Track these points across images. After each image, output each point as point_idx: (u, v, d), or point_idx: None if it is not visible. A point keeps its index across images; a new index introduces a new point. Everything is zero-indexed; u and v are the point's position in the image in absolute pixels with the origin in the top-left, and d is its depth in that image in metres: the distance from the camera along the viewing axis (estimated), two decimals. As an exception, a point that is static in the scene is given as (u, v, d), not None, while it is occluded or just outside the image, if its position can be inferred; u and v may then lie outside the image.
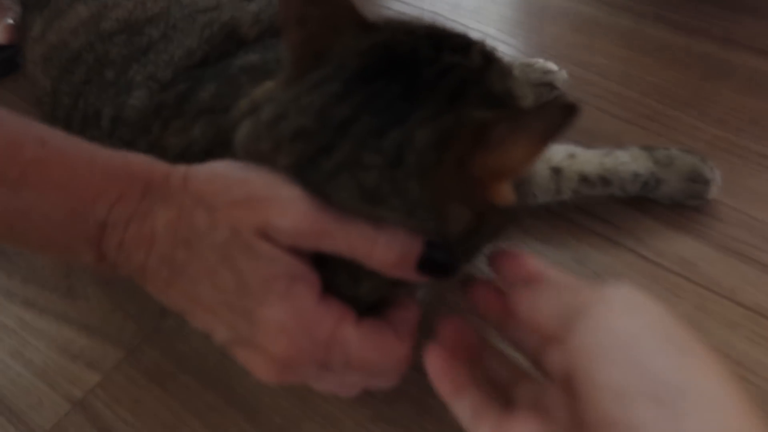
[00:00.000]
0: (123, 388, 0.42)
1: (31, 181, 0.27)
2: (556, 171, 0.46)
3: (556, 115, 0.24)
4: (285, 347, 0.26)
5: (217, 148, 0.32)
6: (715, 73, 0.60)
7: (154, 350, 0.43)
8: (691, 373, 0.20)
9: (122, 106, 0.41)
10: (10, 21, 0.62)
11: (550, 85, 0.56)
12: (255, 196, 0.27)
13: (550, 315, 0.26)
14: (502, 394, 0.29)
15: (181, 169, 0.29)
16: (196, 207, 0.27)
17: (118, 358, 0.43)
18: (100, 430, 0.40)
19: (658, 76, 0.60)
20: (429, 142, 0.26)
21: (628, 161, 0.47)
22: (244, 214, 0.27)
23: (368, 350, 0.28)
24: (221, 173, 0.28)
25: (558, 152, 0.47)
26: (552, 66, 0.57)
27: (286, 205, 0.26)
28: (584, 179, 0.46)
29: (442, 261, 0.28)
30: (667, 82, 0.59)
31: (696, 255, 0.46)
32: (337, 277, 0.28)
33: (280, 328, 0.26)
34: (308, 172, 0.27)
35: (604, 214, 0.49)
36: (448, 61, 0.29)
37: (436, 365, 0.29)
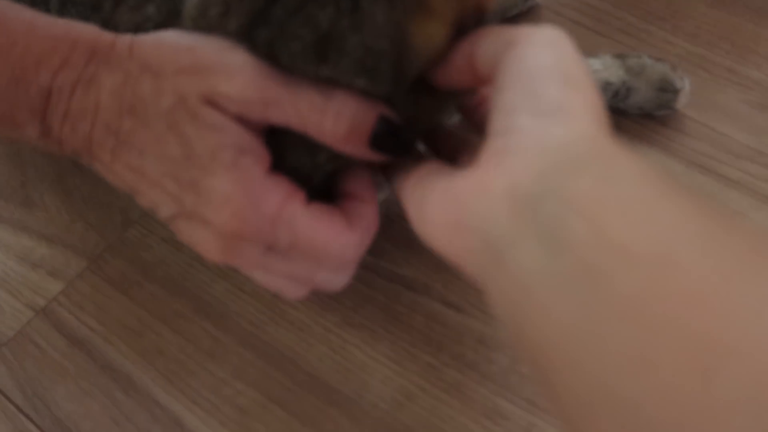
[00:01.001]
0: (87, 296, 0.41)
1: None
2: None
3: None
4: (229, 218, 0.26)
5: (171, 25, 0.30)
6: (690, -13, 0.59)
7: (117, 259, 0.43)
8: (570, 98, 0.22)
9: None
10: None
11: (522, -6, 0.55)
12: (202, 63, 0.26)
13: (485, 54, 0.26)
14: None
15: (127, 37, 0.28)
16: (142, 74, 0.26)
17: (81, 267, 0.42)
18: (65, 336, 0.40)
19: (633, -11, 0.58)
20: None
21: (600, 69, 0.47)
22: (191, 80, 0.26)
23: (316, 230, 0.28)
24: (168, 41, 0.27)
25: None
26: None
27: (233, 71, 0.26)
28: None
29: (396, 135, 0.27)
30: (675, 10, 0.58)
31: (661, 167, 0.47)
32: (292, 152, 0.28)
33: (225, 198, 0.26)
34: (258, 31, 0.26)
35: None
36: None
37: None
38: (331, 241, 0.28)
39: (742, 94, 0.51)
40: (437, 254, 0.26)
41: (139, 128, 0.27)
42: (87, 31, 0.28)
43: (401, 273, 0.41)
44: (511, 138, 0.22)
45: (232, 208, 0.26)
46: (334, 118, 0.26)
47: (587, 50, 0.53)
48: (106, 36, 0.28)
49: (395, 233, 0.41)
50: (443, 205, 0.24)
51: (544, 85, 0.23)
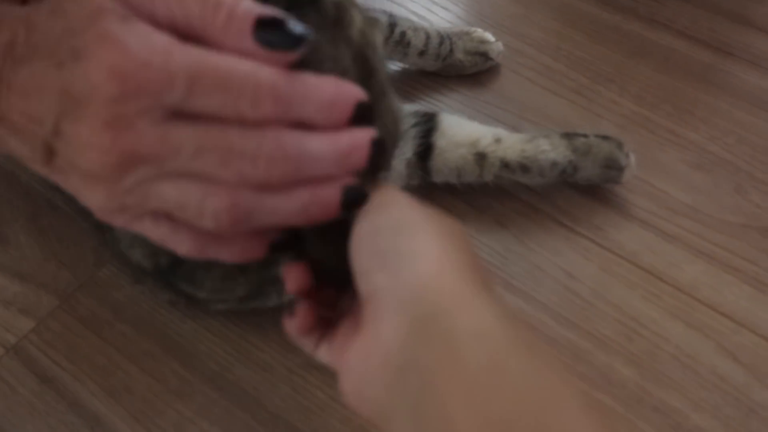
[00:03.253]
0: (58, 334, 0.43)
1: None
2: (481, 156, 0.49)
3: None
4: (107, 56, 0.22)
5: None
6: (637, 51, 0.64)
7: (89, 298, 0.44)
8: (407, 244, 0.25)
9: None
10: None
11: (485, 56, 0.59)
12: None
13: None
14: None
15: None
16: None
17: (53, 306, 0.44)
18: (35, 373, 0.41)
19: (586, 51, 0.63)
20: None
21: (547, 149, 0.49)
22: None
23: (218, 58, 0.23)
24: None
25: (486, 136, 0.49)
26: (489, 37, 0.59)
27: None
28: (506, 165, 0.49)
29: (280, 26, 0.24)
30: (594, 57, 0.63)
31: (606, 222, 0.51)
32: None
33: (105, 41, 0.22)
34: None
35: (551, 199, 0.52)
36: None
37: (292, 330, 0.29)
38: (235, 64, 0.23)
39: (681, 153, 0.56)
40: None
41: (26, 42, 0.24)
42: None
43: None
44: (375, 302, 0.24)
45: (109, 46, 0.22)
46: (221, 11, 0.23)
47: (541, 109, 0.58)
48: None
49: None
50: (348, 378, 0.25)
51: (383, 241, 0.25)
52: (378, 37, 0.30)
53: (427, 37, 0.57)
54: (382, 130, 0.28)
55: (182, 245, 0.26)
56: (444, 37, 0.58)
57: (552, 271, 0.48)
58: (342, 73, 0.26)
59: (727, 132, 0.57)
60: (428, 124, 0.49)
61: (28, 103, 0.24)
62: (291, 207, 0.25)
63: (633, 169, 0.51)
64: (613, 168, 0.50)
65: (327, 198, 0.25)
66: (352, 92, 0.25)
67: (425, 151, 0.49)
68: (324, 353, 0.29)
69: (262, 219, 0.25)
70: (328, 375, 0.42)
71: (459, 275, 0.24)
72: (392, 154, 0.31)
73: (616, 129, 0.57)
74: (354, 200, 0.26)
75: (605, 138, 0.51)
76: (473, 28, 0.60)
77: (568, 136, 0.51)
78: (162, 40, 0.23)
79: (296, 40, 0.24)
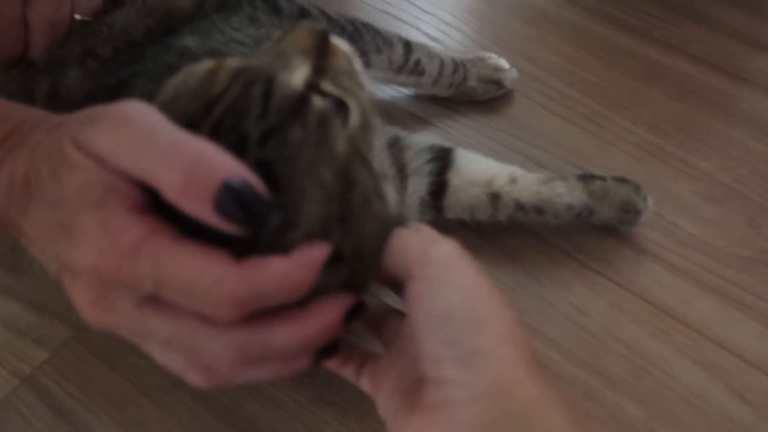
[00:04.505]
0: (72, 365, 0.43)
1: None
2: (495, 197, 0.48)
3: None
4: (85, 252, 0.25)
5: None
6: (652, 77, 0.63)
7: (102, 330, 0.44)
8: (483, 342, 0.26)
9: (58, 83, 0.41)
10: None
11: (499, 83, 0.58)
12: (89, 113, 0.27)
13: (394, 267, 0.29)
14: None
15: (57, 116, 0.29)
16: (48, 134, 0.28)
17: (67, 336, 0.44)
18: (48, 405, 0.42)
19: (599, 76, 0.63)
20: None
21: (563, 192, 0.48)
22: (68, 128, 0.27)
23: (182, 262, 0.24)
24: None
25: (501, 175, 0.49)
26: (504, 64, 0.59)
27: (100, 120, 0.26)
28: (520, 208, 0.48)
29: (244, 204, 0.24)
30: (608, 82, 0.62)
31: (616, 255, 0.51)
32: None
33: (84, 237, 0.25)
34: None
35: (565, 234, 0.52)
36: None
37: (332, 364, 0.33)
38: (199, 273, 0.24)
39: (693, 184, 0.56)
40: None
41: (36, 182, 0.27)
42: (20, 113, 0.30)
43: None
44: (445, 388, 0.25)
45: (88, 242, 0.25)
46: (178, 172, 0.24)
47: (553, 135, 0.57)
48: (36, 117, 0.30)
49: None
50: None
51: (455, 332, 0.26)
52: (372, 142, 0.30)
53: (442, 64, 0.56)
54: (366, 239, 0.28)
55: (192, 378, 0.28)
56: (458, 65, 0.58)
57: (562, 307, 0.48)
58: (321, 189, 0.27)
59: (740, 162, 0.57)
60: (443, 161, 0.49)
61: (34, 244, 0.27)
62: (265, 375, 0.28)
63: (650, 212, 0.50)
64: (630, 212, 0.50)
65: (299, 365, 0.28)
66: (318, 257, 0.26)
67: (439, 189, 0.49)
68: (366, 383, 0.31)
69: (242, 381, 0.28)
70: (338, 410, 0.42)
71: (531, 380, 0.25)
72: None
73: (628, 158, 0.57)
74: (326, 355, 0.29)
75: (623, 181, 0.50)
76: (488, 54, 0.60)
77: (585, 179, 0.50)
78: (132, 238, 0.25)
79: (257, 219, 0.24)
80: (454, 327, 0.26)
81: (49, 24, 0.43)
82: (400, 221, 0.31)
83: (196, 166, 0.24)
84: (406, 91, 0.59)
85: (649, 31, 0.67)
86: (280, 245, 0.26)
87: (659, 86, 0.62)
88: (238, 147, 0.26)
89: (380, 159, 0.31)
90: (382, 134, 0.32)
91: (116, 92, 0.40)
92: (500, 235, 0.51)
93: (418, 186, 0.48)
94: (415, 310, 0.27)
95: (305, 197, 0.27)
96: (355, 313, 0.29)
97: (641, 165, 0.56)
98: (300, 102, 0.28)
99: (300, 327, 0.27)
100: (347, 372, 0.32)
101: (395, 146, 0.48)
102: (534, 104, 0.60)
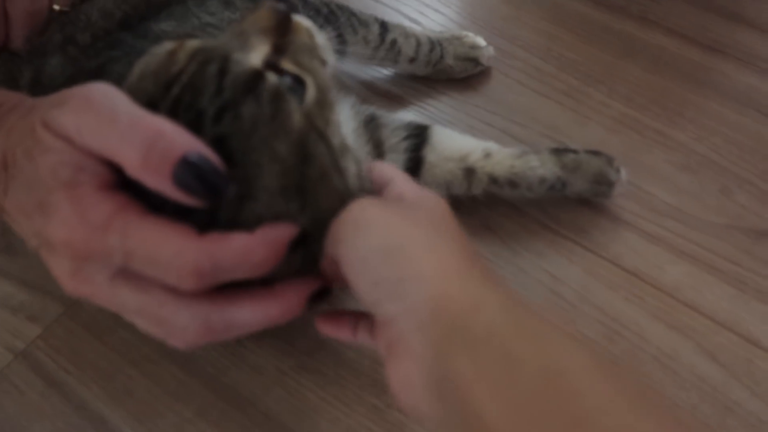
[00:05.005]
0: (63, 339, 0.45)
1: None
2: (470, 172, 0.49)
3: None
4: (58, 228, 0.27)
5: None
6: (628, 51, 0.64)
7: (91, 306, 0.46)
8: (406, 269, 0.27)
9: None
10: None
11: (476, 61, 0.60)
12: (58, 96, 0.29)
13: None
14: None
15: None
16: (22, 117, 0.30)
17: (58, 312, 0.46)
18: (42, 378, 0.43)
19: (576, 52, 0.64)
20: None
21: (536, 165, 0.50)
22: (39, 110, 0.29)
23: (148, 236, 0.26)
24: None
25: (475, 151, 0.50)
26: (480, 41, 0.60)
27: (66, 101, 0.28)
28: (494, 181, 0.49)
29: (203, 177, 0.26)
30: (584, 58, 0.63)
31: (590, 224, 0.52)
32: None
33: (58, 213, 0.27)
34: None
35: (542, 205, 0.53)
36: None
37: (328, 331, 0.34)
38: (163, 244, 0.26)
39: (668, 155, 0.57)
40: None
41: (15, 163, 0.29)
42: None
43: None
44: (395, 327, 0.27)
45: (61, 218, 0.27)
46: (137, 149, 0.26)
47: (531, 111, 0.59)
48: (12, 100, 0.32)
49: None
50: (401, 398, 0.28)
51: (379, 269, 0.27)
52: (330, 118, 0.32)
53: (418, 44, 0.58)
54: (324, 213, 0.29)
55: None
56: (435, 43, 0.59)
57: (537, 274, 0.49)
58: (277, 163, 0.28)
59: (714, 132, 0.58)
60: (419, 138, 0.50)
61: (15, 221, 0.30)
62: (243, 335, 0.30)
63: (624, 184, 0.51)
64: (602, 184, 0.51)
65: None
66: (282, 236, 0.28)
67: (415, 165, 0.50)
68: (364, 337, 0.33)
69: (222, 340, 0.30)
70: (320, 376, 0.44)
71: (460, 281, 0.27)
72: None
73: (605, 131, 0.58)
74: (318, 300, 0.31)
75: (595, 153, 0.51)
76: (464, 33, 0.61)
77: (558, 152, 0.51)
78: (102, 214, 0.27)
79: (214, 190, 0.26)
80: (376, 267, 0.27)
81: (28, 15, 0.45)
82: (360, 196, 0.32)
83: (154, 143, 0.26)
84: (384, 71, 0.61)
85: (626, 6, 0.68)
86: (243, 221, 0.28)
87: (635, 60, 0.63)
88: (195, 123, 0.28)
89: (340, 134, 0.33)
90: (342, 109, 0.34)
91: (96, 77, 0.41)
92: (477, 207, 0.52)
93: (396, 163, 0.50)
94: (347, 270, 0.29)
95: (261, 170, 0.28)
96: (321, 295, 0.31)
97: (618, 137, 0.57)
98: (254, 79, 0.29)
99: (263, 307, 0.29)
100: (344, 334, 0.34)
101: (372, 124, 0.50)
102: (512, 81, 0.61)
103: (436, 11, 0.67)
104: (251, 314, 0.29)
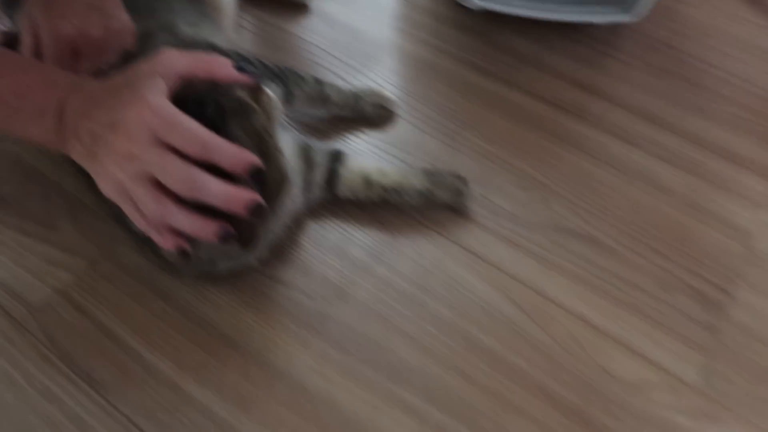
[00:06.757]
0: (93, 285, 0.67)
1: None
2: (369, 183, 0.74)
3: None
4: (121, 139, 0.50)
5: None
6: (494, 105, 0.90)
7: (110, 265, 0.69)
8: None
9: None
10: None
11: (384, 108, 0.85)
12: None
13: None
14: None
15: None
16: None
17: (85, 266, 0.69)
18: (76, 309, 0.66)
19: (455, 104, 0.90)
20: None
21: (414, 181, 0.75)
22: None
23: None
24: None
25: (374, 169, 0.75)
26: (388, 94, 0.86)
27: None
28: (385, 190, 0.74)
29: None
30: (462, 109, 0.89)
31: (450, 221, 0.76)
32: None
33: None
34: None
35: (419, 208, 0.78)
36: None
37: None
38: (192, 123, 0.50)
39: (511, 178, 0.82)
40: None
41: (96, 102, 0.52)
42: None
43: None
44: None
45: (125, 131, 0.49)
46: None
47: (421, 146, 0.84)
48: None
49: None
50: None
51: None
52: (276, 119, 0.57)
53: (343, 95, 0.83)
54: (271, 180, 0.54)
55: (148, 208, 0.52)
56: (356, 95, 0.84)
57: (410, 254, 0.73)
58: (249, 137, 0.53)
59: (546, 163, 0.84)
60: (336, 158, 0.74)
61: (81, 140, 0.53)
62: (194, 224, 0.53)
63: (473, 196, 0.77)
64: (459, 195, 0.76)
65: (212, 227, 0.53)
66: (250, 157, 0.52)
67: (331, 177, 0.74)
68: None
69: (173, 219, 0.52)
70: (261, 315, 0.67)
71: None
72: (279, 196, 0.57)
73: (471, 161, 0.83)
74: (227, 237, 0.53)
75: (455, 175, 0.77)
76: (377, 87, 0.86)
77: (428, 172, 0.76)
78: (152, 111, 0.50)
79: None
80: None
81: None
82: (290, 177, 0.58)
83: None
84: (318, 113, 0.86)
85: (497, 72, 0.95)
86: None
87: (499, 112, 0.90)
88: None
89: (280, 139, 0.58)
90: (287, 136, 0.61)
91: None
92: (375, 209, 0.76)
93: (318, 173, 0.74)
94: None
95: (243, 141, 0.54)
96: (256, 211, 0.52)
97: (479, 166, 0.83)
98: (244, 104, 0.55)
99: (226, 189, 0.50)
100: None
101: (306, 147, 0.74)
102: (408, 123, 0.87)
103: (361, 73, 0.93)
104: (218, 187, 0.50)
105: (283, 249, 0.72)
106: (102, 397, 0.60)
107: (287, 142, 0.70)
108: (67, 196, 0.74)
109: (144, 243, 0.66)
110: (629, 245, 0.77)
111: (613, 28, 1.05)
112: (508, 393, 0.64)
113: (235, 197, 0.51)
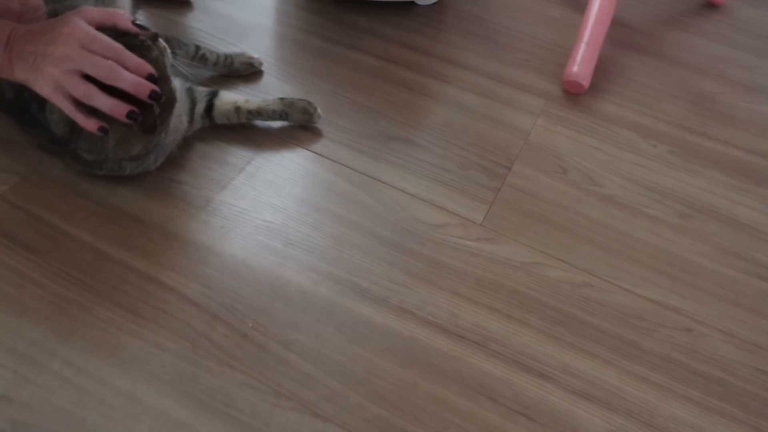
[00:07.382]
0: (25, 191, 0.88)
1: None
2: (238, 109, 0.99)
3: None
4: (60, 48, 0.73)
5: None
6: (339, 62, 1.18)
7: (38, 177, 0.90)
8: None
9: None
10: None
11: (252, 65, 1.11)
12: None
13: None
14: None
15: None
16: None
17: (18, 180, 0.89)
18: (12, 207, 0.86)
19: (313, 65, 1.17)
20: None
21: (271, 105, 1.01)
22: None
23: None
24: None
25: (241, 99, 1.00)
26: (254, 55, 1.12)
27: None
28: (250, 113, 1.00)
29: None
30: (314, 65, 1.16)
31: (312, 139, 1.02)
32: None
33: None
34: None
35: (279, 128, 1.03)
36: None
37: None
38: (106, 39, 0.75)
39: (349, 106, 1.09)
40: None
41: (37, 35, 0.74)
42: None
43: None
44: None
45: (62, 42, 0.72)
46: None
47: (280, 90, 1.10)
48: None
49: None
50: None
51: None
52: (167, 58, 0.81)
53: (218, 56, 1.09)
54: (165, 95, 0.79)
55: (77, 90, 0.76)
56: (228, 56, 1.10)
57: (273, 158, 0.98)
58: (149, 62, 0.78)
59: (379, 98, 1.11)
60: (212, 95, 0.99)
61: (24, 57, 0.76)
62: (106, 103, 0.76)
63: (320, 116, 1.03)
64: (309, 115, 1.03)
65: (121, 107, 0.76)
66: (149, 67, 0.78)
67: (209, 107, 0.99)
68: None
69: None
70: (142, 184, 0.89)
71: None
72: (170, 109, 0.82)
73: (320, 98, 1.10)
74: (133, 117, 0.77)
75: (303, 100, 1.03)
76: (245, 50, 1.13)
77: (282, 99, 1.03)
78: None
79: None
80: None
81: None
82: (176, 97, 0.82)
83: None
84: (202, 73, 1.10)
85: (342, 40, 1.23)
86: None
87: (342, 67, 1.17)
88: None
89: (171, 75, 0.82)
90: (177, 81, 0.85)
91: None
92: (246, 131, 1.01)
93: (199, 107, 0.98)
94: None
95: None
96: (155, 97, 0.77)
97: (326, 101, 1.09)
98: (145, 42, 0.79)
99: (135, 79, 0.75)
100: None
101: (190, 89, 0.98)
102: (272, 77, 1.13)
103: (234, 45, 1.19)
104: (129, 76, 0.74)
105: (176, 159, 0.95)
106: (39, 258, 0.80)
107: (177, 83, 0.94)
108: (2, 136, 0.95)
109: (64, 156, 0.88)
110: (438, 144, 1.05)
111: (438, 7, 1.36)
112: (344, 236, 0.89)
113: (142, 84, 0.75)
